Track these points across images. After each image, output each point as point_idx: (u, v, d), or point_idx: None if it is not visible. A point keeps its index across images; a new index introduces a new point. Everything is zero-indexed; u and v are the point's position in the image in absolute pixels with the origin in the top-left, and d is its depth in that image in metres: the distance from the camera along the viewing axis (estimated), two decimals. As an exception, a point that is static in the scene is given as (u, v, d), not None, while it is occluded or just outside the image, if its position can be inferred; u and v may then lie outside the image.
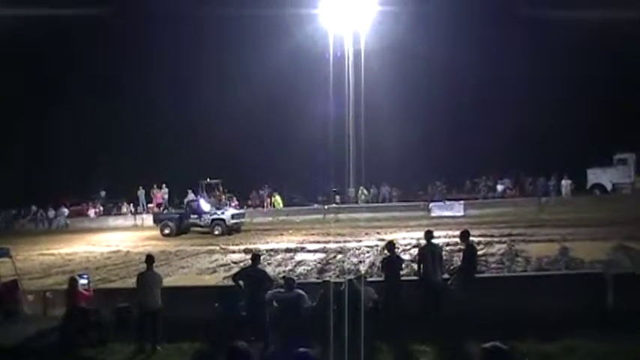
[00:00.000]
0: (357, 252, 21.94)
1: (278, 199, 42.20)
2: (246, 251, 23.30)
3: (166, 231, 33.48)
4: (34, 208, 45.23)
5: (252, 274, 11.83)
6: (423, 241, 13.40)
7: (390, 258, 12.81)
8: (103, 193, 46.81)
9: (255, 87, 42.30)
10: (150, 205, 42.98)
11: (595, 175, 37.73)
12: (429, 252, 12.61)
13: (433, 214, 35.28)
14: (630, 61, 37.27)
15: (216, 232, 32.32)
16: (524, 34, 41.54)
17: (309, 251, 23.07)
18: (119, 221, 42.49)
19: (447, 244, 20.24)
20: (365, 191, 41.74)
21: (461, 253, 14.09)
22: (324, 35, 41.55)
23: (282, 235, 30.29)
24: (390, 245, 13.13)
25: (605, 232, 22.43)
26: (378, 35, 41.14)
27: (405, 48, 40.66)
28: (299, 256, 21.87)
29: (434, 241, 13.13)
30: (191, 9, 42.25)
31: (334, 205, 40.46)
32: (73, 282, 12.74)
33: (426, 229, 13.46)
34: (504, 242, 21.80)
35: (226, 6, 39.77)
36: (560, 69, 40.22)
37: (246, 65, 45.31)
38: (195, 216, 33.62)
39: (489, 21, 42.03)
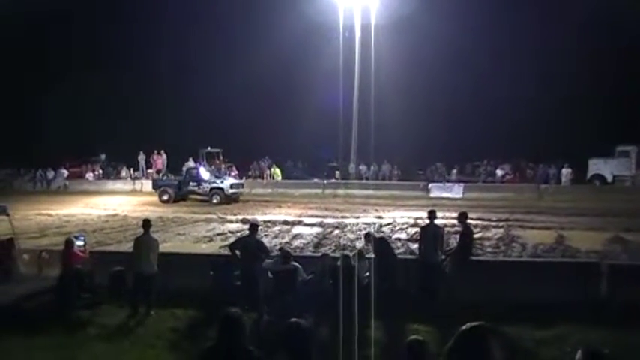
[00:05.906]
0: (354, 228, 21.92)
1: (277, 171, 42.22)
2: (243, 221, 23.33)
3: (164, 197, 33.45)
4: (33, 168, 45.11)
5: (249, 244, 11.82)
6: (421, 221, 13.37)
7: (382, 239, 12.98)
8: (103, 157, 46.65)
9: (261, 60, 42.14)
10: (149, 171, 42.94)
11: (596, 166, 37.53)
12: (430, 232, 12.58)
13: (432, 195, 35.26)
14: (636, 54, 37.11)
15: (215, 201, 32.36)
16: (535, 18, 41.39)
17: (307, 225, 23.10)
18: (118, 185, 42.49)
19: (444, 226, 20.22)
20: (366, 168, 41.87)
21: (457, 235, 14.09)
22: (333, 9, 41.23)
23: (280, 207, 30.30)
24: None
25: (603, 222, 22.49)
26: (387, 10, 40.77)
27: (414, 24, 40.40)
28: (296, 230, 21.89)
29: (437, 221, 13.08)
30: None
31: (334, 180, 40.44)
32: (69, 243, 12.74)
33: (430, 208, 13.34)
34: (501, 227, 21.84)
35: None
36: (568, 59, 40.13)
37: (252, 38, 45.19)
38: (194, 184, 33.59)
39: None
